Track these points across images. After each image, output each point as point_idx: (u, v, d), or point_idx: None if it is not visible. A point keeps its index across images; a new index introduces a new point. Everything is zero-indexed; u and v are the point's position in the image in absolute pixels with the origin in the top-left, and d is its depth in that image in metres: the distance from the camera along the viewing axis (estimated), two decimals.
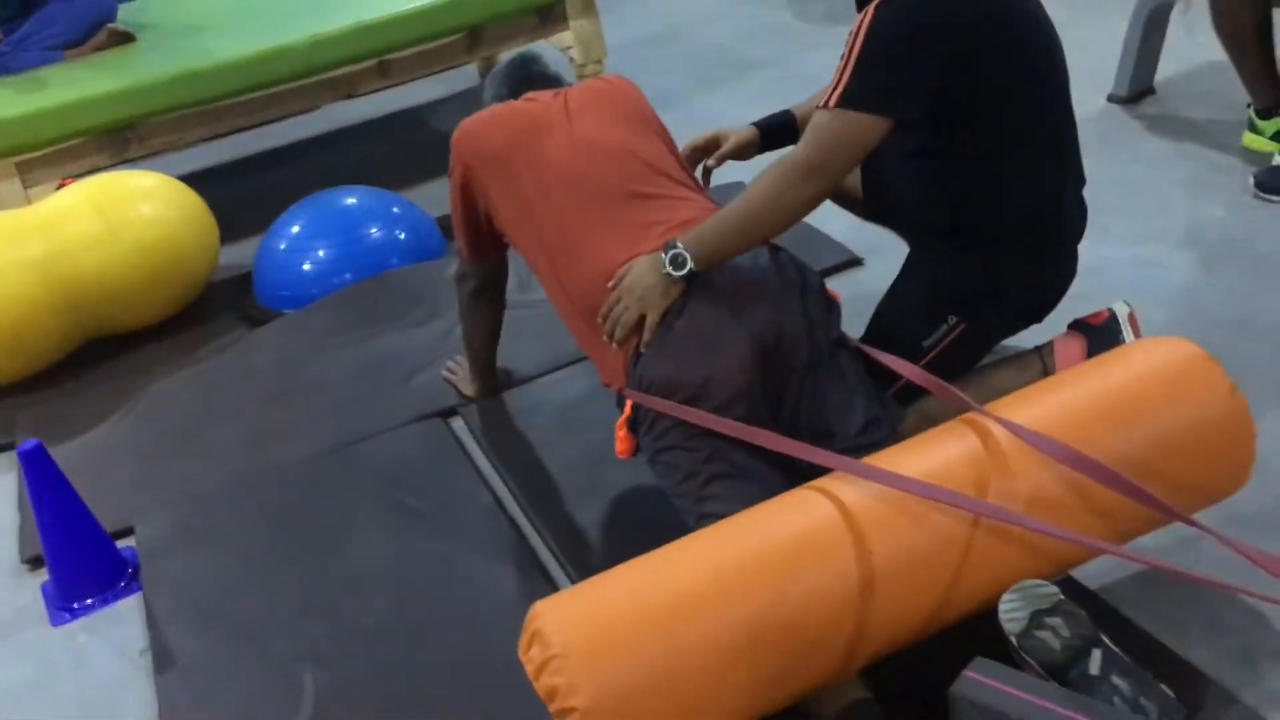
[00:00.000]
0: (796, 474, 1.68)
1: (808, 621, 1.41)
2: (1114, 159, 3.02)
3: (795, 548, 1.45)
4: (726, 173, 2.27)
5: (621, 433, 1.84)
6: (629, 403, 1.82)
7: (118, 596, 2.13)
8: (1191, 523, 1.51)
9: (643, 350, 1.79)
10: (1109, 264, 2.54)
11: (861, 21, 1.74)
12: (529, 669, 1.41)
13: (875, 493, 1.49)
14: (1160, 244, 2.63)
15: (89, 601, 2.11)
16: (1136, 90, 3.33)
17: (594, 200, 1.93)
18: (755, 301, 1.79)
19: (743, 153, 2.15)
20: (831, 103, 1.73)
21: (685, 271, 1.75)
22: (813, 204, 1.77)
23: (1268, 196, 2.70)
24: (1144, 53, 3.29)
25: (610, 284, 1.82)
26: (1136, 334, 1.99)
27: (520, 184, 1.99)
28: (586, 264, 1.88)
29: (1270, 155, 2.85)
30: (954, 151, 1.90)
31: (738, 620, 1.39)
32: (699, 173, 2.18)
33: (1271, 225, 2.62)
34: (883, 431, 1.81)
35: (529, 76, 2.23)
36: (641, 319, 1.78)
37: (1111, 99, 3.34)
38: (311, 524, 2.21)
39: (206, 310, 3.09)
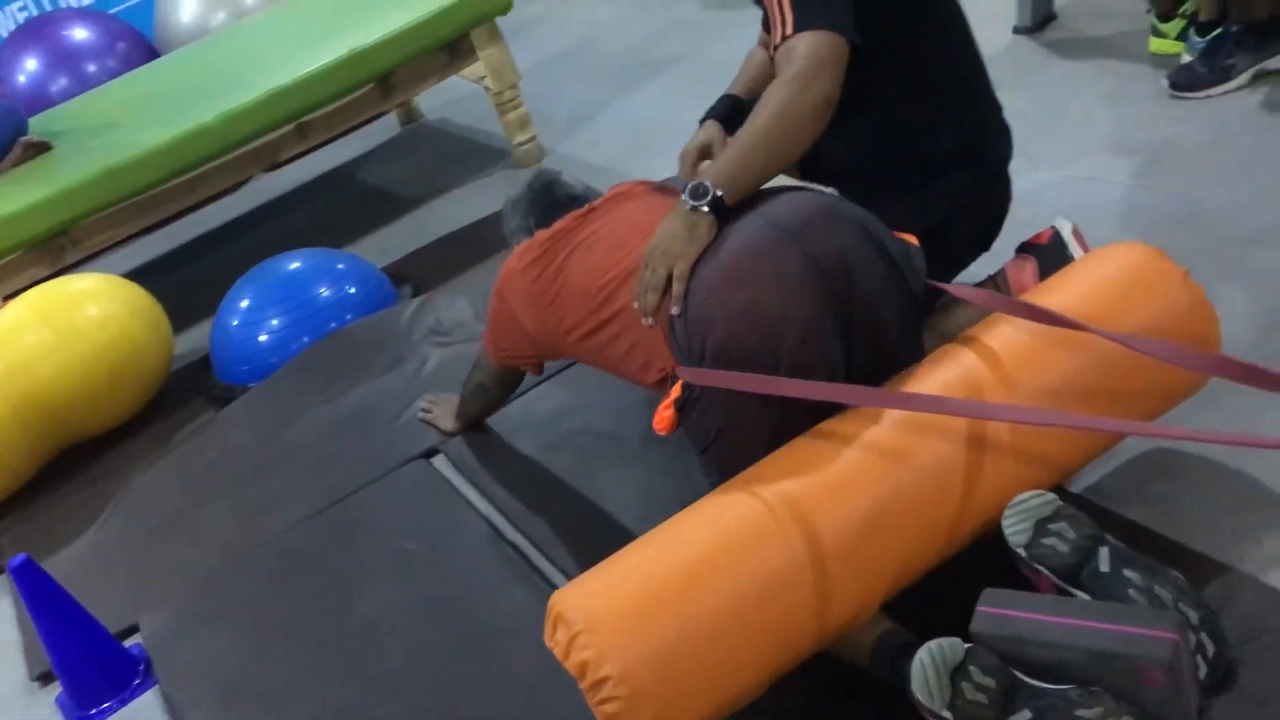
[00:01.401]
0: None
1: (824, 565, 1.42)
2: (1030, 87, 3.07)
3: (798, 496, 1.46)
4: None
5: (667, 412, 1.62)
6: (679, 382, 1.62)
7: (134, 695, 2.11)
8: (1217, 370, 1.47)
9: (674, 310, 1.59)
10: (1044, 187, 2.58)
11: None
12: (557, 652, 1.42)
13: (883, 427, 1.51)
14: (1090, 159, 2.68)
15: (106, 706, 2.10)
16: (1039, 18, 3.38)
17: (625, 236, 1.81)
18: (813, 223, 1.60)
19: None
20: (788, 32, 1.68)
21: (709, 198, 1.59)
22: (822, 113, 1.65)
23: (1184, 94, 2.75)
24: None
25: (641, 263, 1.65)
26: (1082, 246, 2.03)
27: (560, 290, 1.87)
28: (623, 270, 1.74)
29: (1178, 56, 2.91)
30: (877, 98, 1.92)
31: (751, 574, 1.42)
32: None
33: (1193, 120, 2.67)
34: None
35: (555, 202, 2.12)
36: (669, 278, 1.60)
37: (1017, 30, 3.39)
38: (315, 586, 2.21)
39: (171, 400, 3.08)
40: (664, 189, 2.01)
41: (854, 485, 1.48)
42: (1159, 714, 1.34)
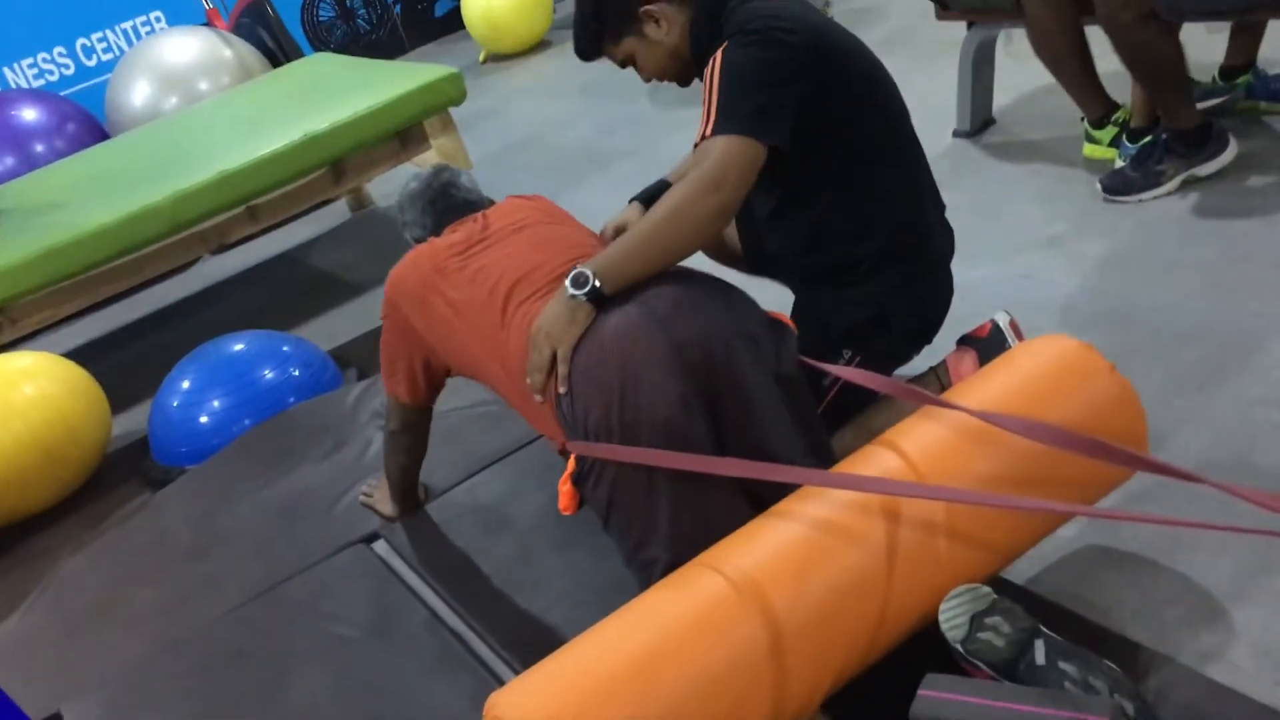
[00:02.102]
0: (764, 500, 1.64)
1: (769, 661, 1.42)
2: (969, 188, 3.16)
3: (737, 594, 1.45)
4: None
5: (565, 488, 1.72)
6: (572, 456, 1.71)
7: None
8: (1159, 469, 1.46)
9: (561, 389, 1.68)
10: (982, 283, 2.64)
11: (713, 66, 1.81)
12: None
13: (813, 520, 1.51)
14: (1025, 257, 2.75)
15: None
16: (978, 123, 3.50)
17: (524, 277, 1.88)
18: (676, 310, 1.68)
19: None
20: (708, 133, 1.76)
21: (588, 289, 1.67)
22: (715, 221, 1.74)
23: (1116, 198, 2.85)
24: (978, 87, 3.47)
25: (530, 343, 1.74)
26: (1020, 338, 2.08)
27: (447, 299, 1.95)
28: (515, 328, 1.81)
29: (1111, 161, 3.01)
30: (822, 194, 1.98)
31: (688, 675, 1.40)
32: None
33: (1124, 223, 2.76)
34: (827, 458, 1.78)
35: (451, 205, 2.20)
36: (554, 358, 1.69)
37: (957, 134, 3.51)
38: (246, 674, 2.15)
39: (106, 482, 3.03)
40: (552, 218, 2.08)
41: (798, 573, 1.47)
42: None
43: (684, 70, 2.02)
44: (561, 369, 1.69)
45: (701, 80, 1.90)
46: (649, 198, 2.18)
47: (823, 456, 1.78)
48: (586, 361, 1.67)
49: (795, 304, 2.16)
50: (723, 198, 1.73)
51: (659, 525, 1.65)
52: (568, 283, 1.69)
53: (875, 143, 1.97)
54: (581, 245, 1.97)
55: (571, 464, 1.72)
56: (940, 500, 1.53)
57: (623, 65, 2.07)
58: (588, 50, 2.06)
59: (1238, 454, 1.92)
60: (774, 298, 2.19)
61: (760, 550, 1.51)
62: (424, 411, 2.25)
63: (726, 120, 1.76)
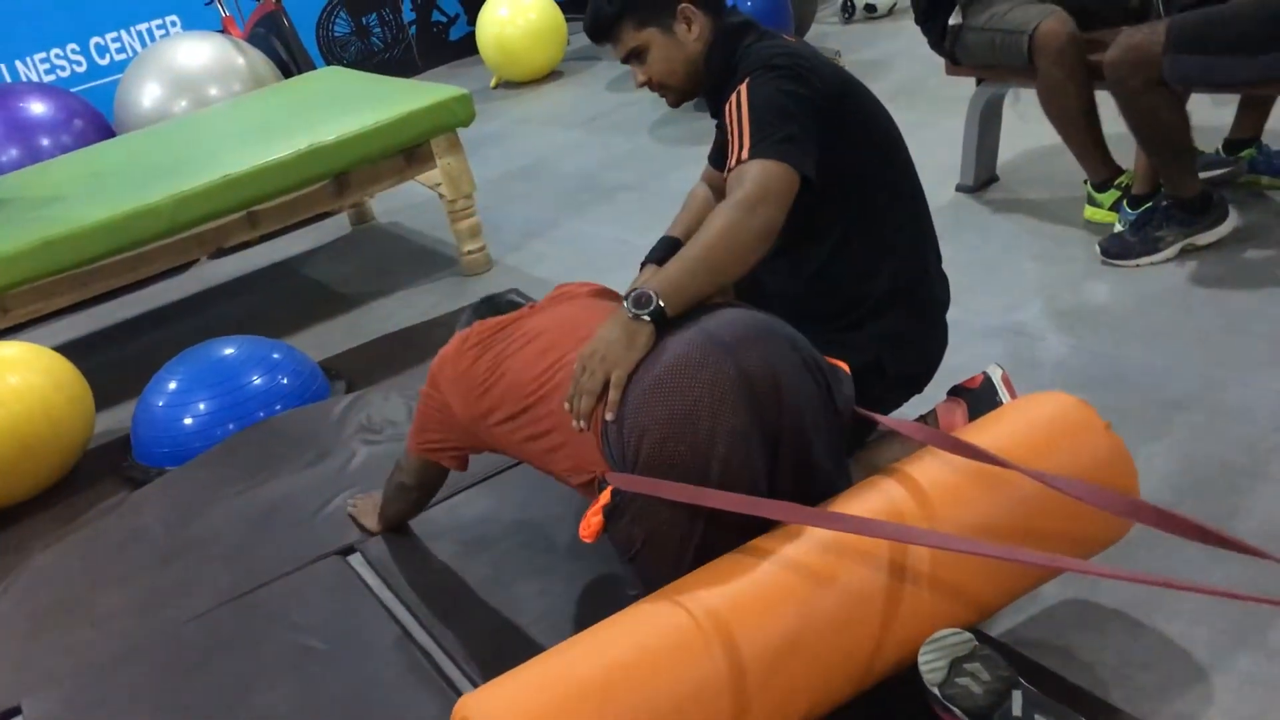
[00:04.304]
0: None
1: (743, 685, 1.40)
2: (969, 243, 3.17)
3: (721, 613, 1.45)
4: None
5: (595, 518, 1.60)
6: (608, 489, 1.60)
7: None
8: (1134, 514, 1.47)
9: (608, 416, 1.59)
10: (975, 337, 2.64)
11: (739, 96, 1.81)
12: None
13: (791, 557, 1.50)
14: (1021, 314, 2.76)
15: None
16: (981, 179, 3.52)
17: (560, 332, 1.83)
18: (746, 340, 1.61)
19: None
20: (744, 157, 1.75)
21: (652, 308, 1.61)
22: (764, 238, 1.70)
23: (1114, 262, 2.86)
24: (983, 144, 3.49)
25: (576, 365, 1.65)
26: (1011, 393, 2.07)
27: (493, 377, 1.87)
28: (559, 373, 1.74)
29: (1111, 225, 3.03)
30: (825, 238, 1.98)
31: (669, 690, 1.39)
32: None
33: (1121, 287, 2.77)
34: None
35: (499, 308, 2.17)
36: (608, 383, 1.60)
37: (960, 189, 3.52)
38: (212, 680, 2.12)
39: (84, 477, 2.99)
40: (605, 292, 2.04)
41: (778, 604, 1.46)
42: None
43: (687, 83, 1.99)
44: (614, 395, 1.60)
45: (712, 108, 1.90)
46: (660, 259, 2.14)
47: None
48: (646, 388, 1.59)
49: None
50: (768, 215, 1.70)
51: (683, 570, 1.59)
52: (629, 303, 1.63)
53: (883, 190, 1.98)
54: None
55: (606, 497, 1.62)
56: (937, 548, 1.51)
57: (624, 58, 2.01)
58: (605, 27, 1.98)
59: (1220, 522, 1.92)
60: None
61: (749, 577, 1.50)
62: (436, 474, 2.22)
63: (762, 145, 1.75)
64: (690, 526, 1.58)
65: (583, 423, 1.64)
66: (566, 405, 1.67)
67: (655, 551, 1.62)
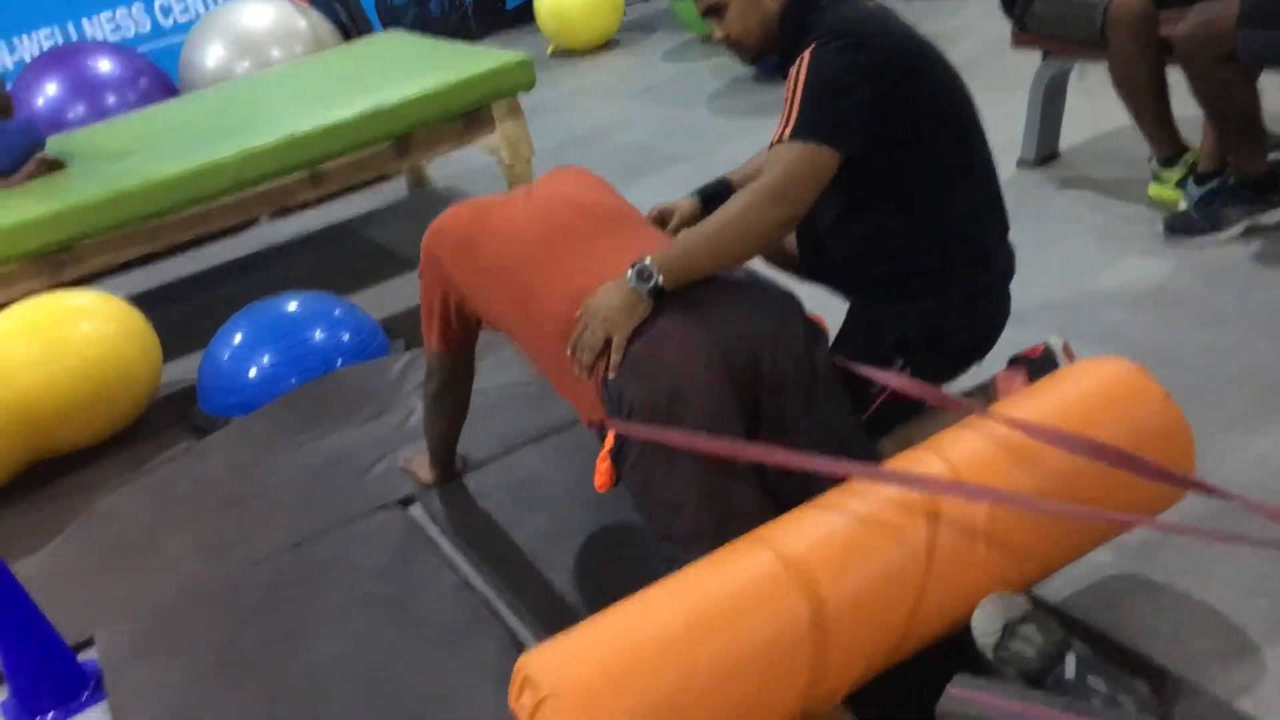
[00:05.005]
0: (782, 501, 1.68)
1: (790, 650, 1.43)
2: (1029, 218, 3.15)
3: (775, 579, 1.47)
4: None
5: (603, 465, 1.76)
6: (610, 434, 1.75)
7: (80, 709, 2.08)
8: (1203, 487, 1.51)
9: (610, 375, 1.73)
10: (1035, 310, 2.63)
11: (800, 64, 1.83)
12: (521, 716, 1.40)
13: (850, 514, 1.52)
14: (1082, 290, 2.75)
15: (51, 715, 2.06)
16: (1043, 154, 3.50)
17: (558, 237, 1.94)
18: (729, 315, 1.75)
19: (689, 224, 2.20)
20: (784, 136, 1.79)
21: (652, 284, 1.73)
22: (779, 229, 1.79)
23: (1178, 239, 2.84)
24: (1047, 119, 3.46)
25: (577, 314, 1.78)
26: (1072, 363, 2.07)
27: (485, 249, 2.01)
28: (557, 294, 1.86)
29: (1176, 203, 3.00)
30: (889, 205, 1.99)
31: (721, 653, 1.41)
32: None
33: (1184, 265, 2.75)
34: (867, 457, 1.80)
35: None
36: (608, 343, 1.74)
37: (1020, 164, 3.50)
38: (276, 622, 2.18)
39: (152, 425, 3.07)
40: (596, 188, 2.14)
41: (843, 561, 1.49)
42: None
43: (762, 42, 2.00)
44: (616, 356, 1.73)
45: (784, 69, 1.91)
46: (708, 194, 2.21)
47: (860, 457, 1.78)
48: (639, 354, 1.72)
49: (850, 311, 2.17)
50: (789, 210, 1.78)
51: (684, 513, 1.69)
52: (632, 274, 1.74)
53: (951, 158, 1.98)
54: (622, 219, 2.02)
55: (610, 441, 1.76)
56: (982, 502, 1.53)
57: (704, 13, 2.03)
58: None
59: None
60: (821, 304, 2.21)
61: (808, 533, 1.52)
62: (460, 364, 2.29)
63: (805, 125, 1.79)
64: (679, 468, 1.69)
65: (584, 374, 1.77)
66: (569, 352, 1.79)
67: (653, 495, 1.73)
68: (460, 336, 2.22)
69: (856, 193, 1.96)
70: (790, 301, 1.85)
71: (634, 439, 1.71)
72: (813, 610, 1.44)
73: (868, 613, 1.47)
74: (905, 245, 2.02)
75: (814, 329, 1.85)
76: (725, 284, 1.81)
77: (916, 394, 1.78)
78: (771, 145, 1.84)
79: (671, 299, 1.75)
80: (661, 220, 2.17)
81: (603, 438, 1.80)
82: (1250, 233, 2.79)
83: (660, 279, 1.73)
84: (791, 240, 2.22)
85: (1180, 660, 1.63)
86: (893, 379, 1.82)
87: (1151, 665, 1.60)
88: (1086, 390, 1.70)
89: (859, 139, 1.83)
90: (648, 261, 1.74)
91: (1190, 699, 1.53)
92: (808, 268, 2.24)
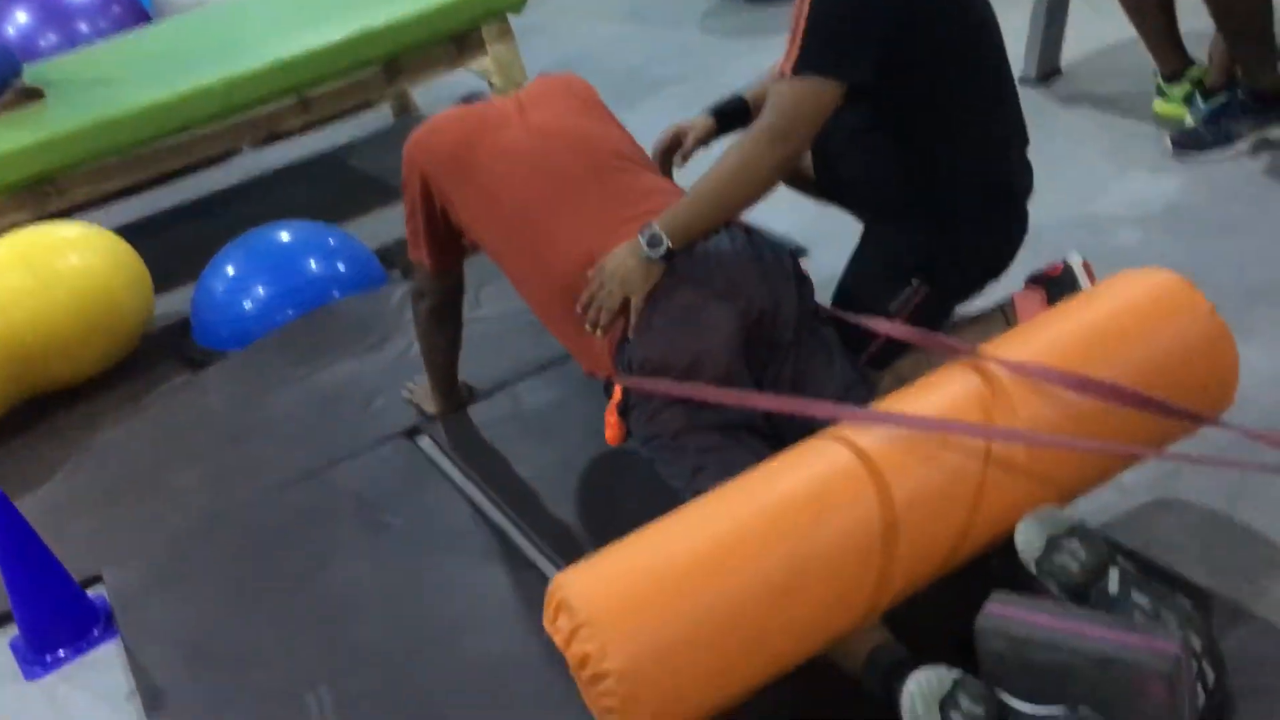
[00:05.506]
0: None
1: (830, 568, 1.42)
2: (1034, 136, 3.07)
3: (812, 496, 1.46)
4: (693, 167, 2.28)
5: (612, 418, 1.82)
6: (618, 388, 1.80)
7: (92, 645, 2.05)
8: (1215, 423, 1.50)
9: (630, 335, 1.78)
10: (1044, 230, 2.56)
11: None
12: (558, 639, 1.39)
13: (884, 437, 1.50)
14: (1091, 208, 2.72)
15: (62, 653, 2.03)
16: (1045, 71, 3.44)
17: (560, 183, 1.93)
18: (737, 280, 1.79)
19: (705, 142, 2.16)
20: (787, 70, 1.76)
21: (663, 250, 1.76)
22: (780, 171, 1.79)
23: (1187, 155, 2.80)
24: (1050, 34, 3.40)
25: (591, 272, 1.80)
26: (1093, 281, 2.05)
27: (481, 178, 1.98)
28: (563, 245, 1.87)
29: (1181, 119, 2.96)
30: (904, 122, 1.94)
31: (761, 572, 1.40)
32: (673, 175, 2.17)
33: (1194, 181, 2.72)
34: (863, 394, 1.82)
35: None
36: (625, 304, 1.77)
37: (1022, 81, 3.43)
38: (288, 552, 2.16)
39: (146, 359, 3.01)
40: (590, 107, 2.12)
41: (875, 482, 1.46)
42: None
43: None
44: (635, 318, 1.77)
45: None
46: (723, 112, 2.17)
47: (858, 389, 1.84)
48: (659, 321, 1.76)
49: (866, 230, 2.13)
50: (789, 148, 1.79)
51: (701, 475, 1.70)
52: (644, 241, 1.76)
53: (970, 74, 1.93)
54: (624, 159, 2.00)
55: (617, 394, 1.80)
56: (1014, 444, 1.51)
57: None
58: None
59: None
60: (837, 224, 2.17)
61: (836, 463, 1.50)
62: (455, 282, 2.24)
63: (811, 57, 1.75)
64: (686, 427, 1.73)
65: (598, 333, 1.80)
66: (579, 309, 1.80)
67: (666, 449, 1.76)
68: (451, 254, 2.18)
69: (878, 110, 1.92)
70: (786, 257, 1.89)
71: (643, 397, 1.76)
72: (858, 526, 1.42)
73: (911, 529, 1.45)
74: (926, 162, 1.97)
75: (803, 277, 1.90)
76: (728, 245, 1.83)
77: (915, 340, 1.80)
78: (776, 76, 1.80)
79: (683, 259, 1.78)
80: (677, 140, 2.13)
81: (608, 389, 1.84)
82: (1259, 147, 2.76)
83: (668, 243, 1.76)
84: (808, 160, 2.17)
85: (1212, 578, 1.63)
86: (889, 327, 1.83)
87: (1191, 584, 1.59)
88: (1128, 305, 1.67)
89: (867, 68, 1.79)
90: (656, 229, 1.76)
91: (1230, 617, 1.53)
92: (824, 186, 2.20)
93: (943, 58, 1.89)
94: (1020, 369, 1.55)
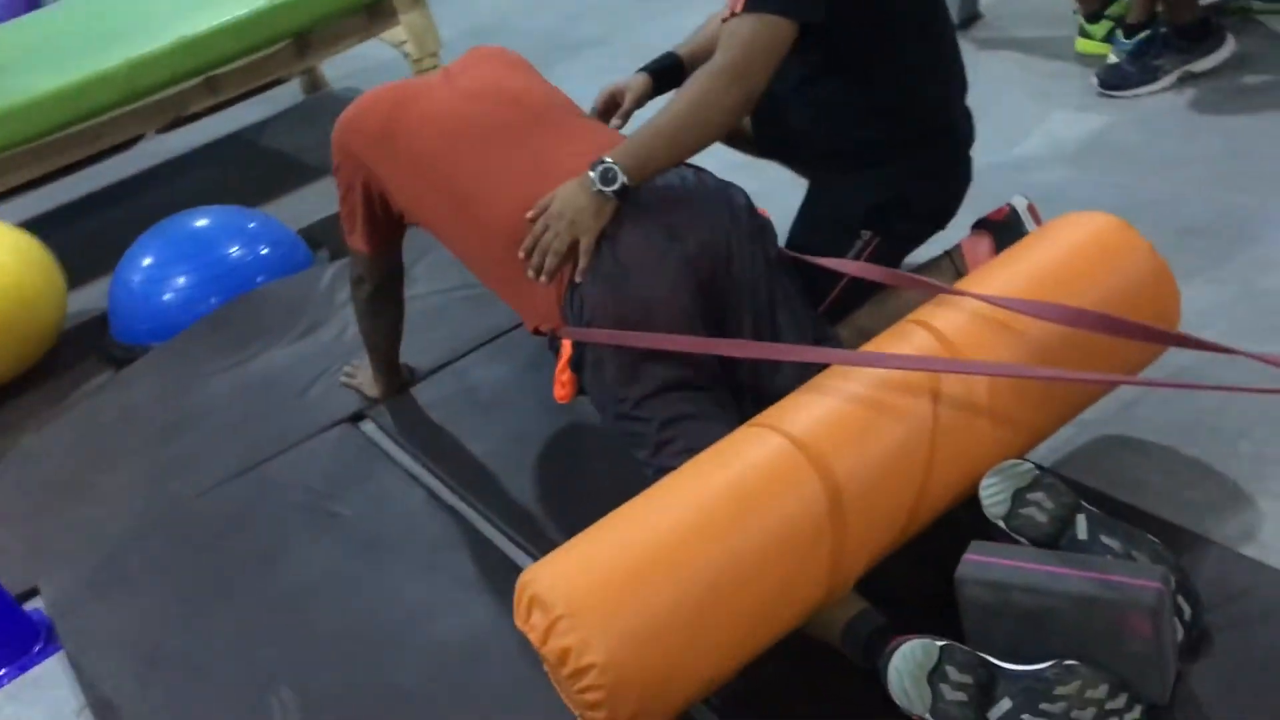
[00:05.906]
0: (747, 400, 1.68)
1: (797, 540, 1.38)
2: None
3: (768, 473, 1.42)
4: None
5: (564, 375, 1.72)
6: (566, 343, 1.71)
7: (34, 661, 1.96)
8: (1186, 342, 1.48)
9: (578, 279, 1.68)
10: (983, 173, 2.58)
11: None
12: (533, 637, 1.34)
13: (848, 398, 1.48)
14: (1021, 150, 2.72)
15: (3, 672, 1.94)
16: (965, 16, 3.43)
17: (491, 132, 1.84)
18: (690, 221, 1.71)
19: (642, 102, 2.10)
20: (739, 7, 1.70)
21: (617, 185, 1.65)
22: (737, 111, 1.71)
23: (1113, 93, 2.82)
24: None
25: (530, 214, 1.70)
26: (1038, 223, 2.04)
27: (412, 146, 1.89)
28: (500, 192, 1.77)
29: (1104, 57, 2.98)
30: (853, 68, 1.91)
31: (729, 550, 1.36)
32: None
33: (1121, 118, 2.74)
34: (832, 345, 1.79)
35: None
36: (574, 246, 1.67)
37: None
38: (236, 549, 2.08)
39: (63, 359, 2.89)
40: (519, 68, 2.06)
41: (853, 440, 1.44)
42: (1138, 674, 1.34)
43: None
44: (584, 261, 1.67)
45: None
46: (659, 70, 2.12)
47: (826, 342, 1.78)
48: (609, 265, 1.67)
49: (811, 187, 2.09)
50: (747, 86, 1.70)
51: (652, 424, 1.65)
52: (595, 176, 1.66)
53: (909, 19, 1.90)
54: (555, 108, 1.94)
55: (567, 349, 1.70)
56: (972, 375, 1.50)
57: None
58: None
59: (1254, 344, 1.92)
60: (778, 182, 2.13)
61: (809, 418, 1.47)
62: (392, 265, 2.17)
63: None
64: (641, 373, 1.65)
65: (544, 278, 1.69)
66: (522, 254, 1.70)
67: (620, 405, 1.68)
68: (389, 236, 2.10)
69: (818, 58, 1.88)
70: (738, 198, 1.80)
71: (594, 346, 1.67)
72: (827, 493, 1.39)
73: (881, 491, 1.43)
74: (868, 111, 1.94)
75: (763, 223, 1.81)
76: (680, 187, 1.76)
77: (880, 278, 1.75)
78: (725, 18, 1.74)
79: (633, 202, 1.69)
80: (614, 101, 2.07)
81: (554, 348, 1.74)
82: (1184, 81, 2.78)
83: (624, 179, 1.66)
84: (745, 120, 2.12)
85: (1177, 513, 1.64)
86: (852, 265, 1.78)
87: (1155, 519, 1.60)
88: (1072, 248, 1.67)
89: (820, 6, 1.74)
90: (610, 161, 1.66)
91: (1198, 549, 1.54)
92: (764, 143, 2.16)
93: (888, 2, 1.86)
94: (996, 302, 1.53)
